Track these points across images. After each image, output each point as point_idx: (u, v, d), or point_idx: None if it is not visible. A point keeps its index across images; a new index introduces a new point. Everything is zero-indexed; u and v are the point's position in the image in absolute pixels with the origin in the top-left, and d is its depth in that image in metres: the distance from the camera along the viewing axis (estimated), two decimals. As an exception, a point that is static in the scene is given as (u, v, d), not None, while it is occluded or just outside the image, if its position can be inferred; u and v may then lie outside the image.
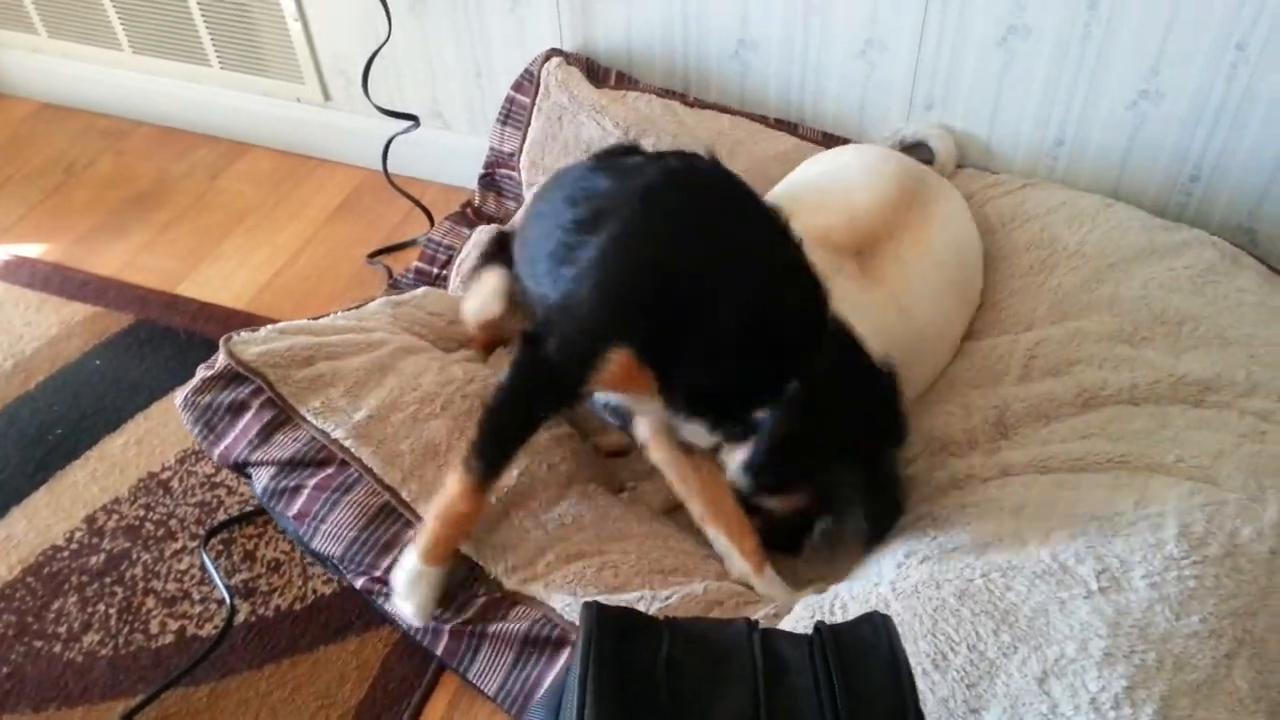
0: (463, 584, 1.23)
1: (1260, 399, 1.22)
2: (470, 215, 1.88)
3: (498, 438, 1.17)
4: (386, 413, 1.34)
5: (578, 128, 1.74)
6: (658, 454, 1.31)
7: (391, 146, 1.95)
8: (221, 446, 1.36)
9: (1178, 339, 1.31)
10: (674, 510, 1.34)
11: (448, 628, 1.20)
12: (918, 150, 1.69)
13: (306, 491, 1.31)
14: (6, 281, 1.91)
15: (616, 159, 1.40)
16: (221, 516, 1.45)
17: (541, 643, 1.16)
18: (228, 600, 1.33)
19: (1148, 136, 1.55)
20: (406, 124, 1.92)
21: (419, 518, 1.25)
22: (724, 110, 1.76)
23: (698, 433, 1.18)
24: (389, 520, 1.27)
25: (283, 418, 1.35)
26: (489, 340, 1.52)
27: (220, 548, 1.42)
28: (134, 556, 1.41)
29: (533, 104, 1.78)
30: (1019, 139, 1.64)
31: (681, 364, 1.13)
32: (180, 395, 1.39)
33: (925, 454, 1.32)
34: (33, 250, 2.00)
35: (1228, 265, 1.41)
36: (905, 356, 1.33)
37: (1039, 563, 1.05)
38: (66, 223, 2.07)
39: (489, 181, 1.89)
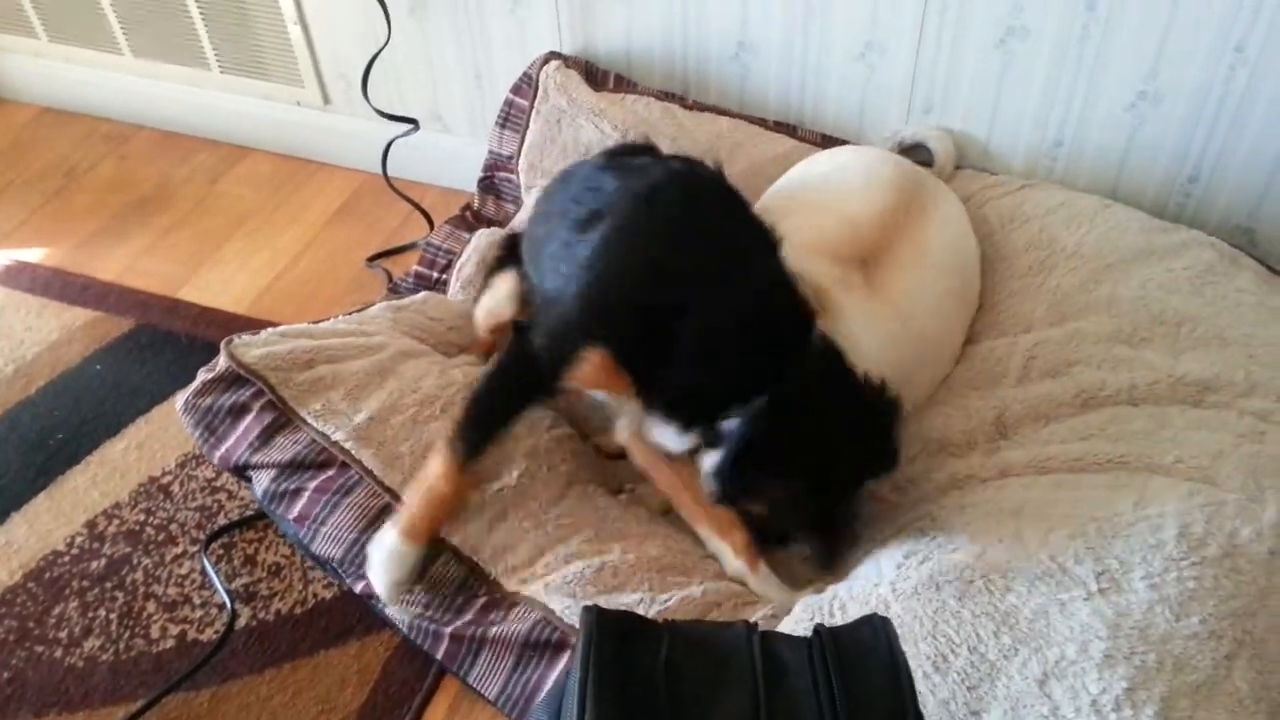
0: (462, 585, 1.24)
1: (1259, 399, 1.22)
2: (470, 218, 1.88)
3: (480, 422, 1.21)
4: (387, 415, 1.34)
5: (576, 130, 1.74)
6: (639, 456, 1.31)
7: (391, 150, 1.95)
8: (222, 449, 1.36)
9: (1176, 339, 1.31)
10: (673, 511, 1.34)
11: (448, 631, 1.21)
12: (917, 152, 1.69)
13: (307, 494, 1.31)
14: (7, 286, 1.91)
15: (625, 158, 1.40)
16: (222, 521, 1.46)
17: (542, 646, 1.16)
18: (228, 605, 1.33)
19: (1146, 137, 1.55)
20: (406, 127, 1.93)
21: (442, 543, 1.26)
22: (723, 113, 1.76)
23: (670, 436, 1.19)
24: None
25: (283, 420, 1.35)
26: (494, 345, 1.52)
27: (221, 552, 1.42)
28: (135, 561, 1.41)
29: (531, 107, 1.78)
30: (1018, 140, 1.64)
31: (657, 369, 1.14)
32: (181, 398, 1.40)
33: (924, 455, 1.32)
34: (34, 255, 2.01)
35: (1226, 266, 1.41)
36: (909, 366, 1.34)
37: (1039, 564, 1.05)
38: (67, 227, 2.08)
39: (488, 184, 1.89)
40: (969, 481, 1.25)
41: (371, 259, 1.94)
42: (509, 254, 1.53)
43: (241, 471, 1.37)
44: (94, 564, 1.41)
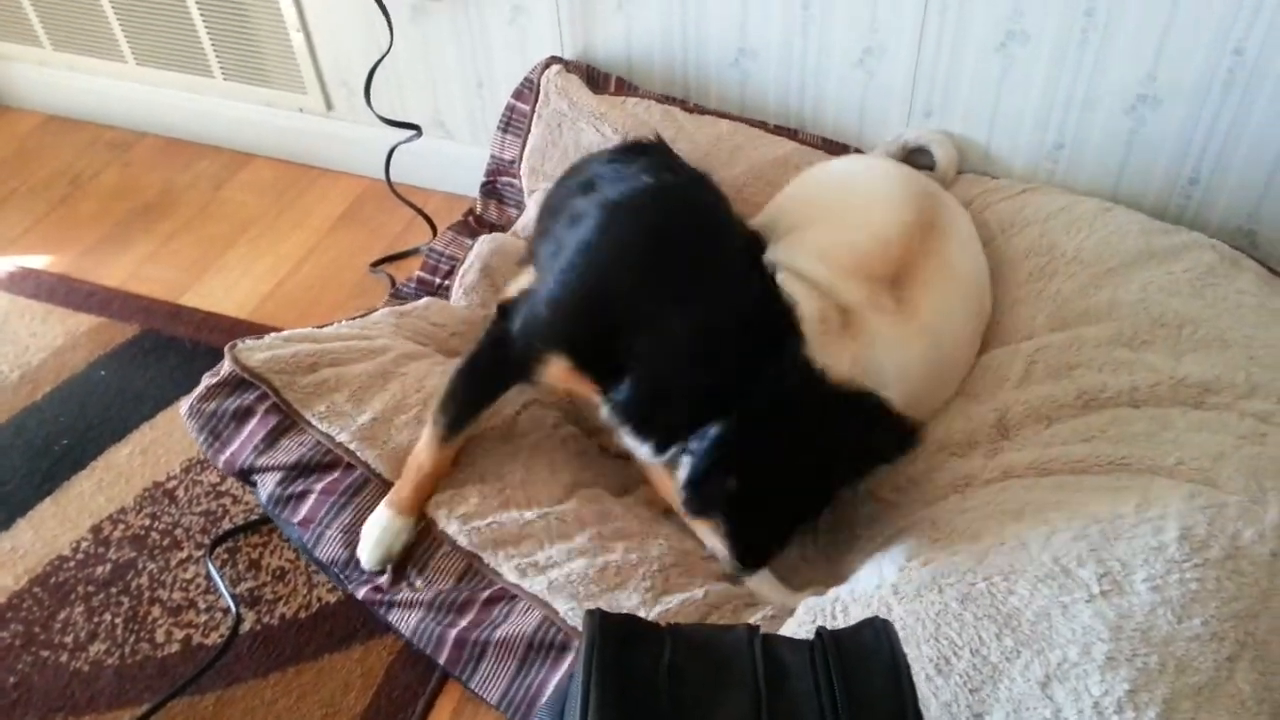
0: (463, 577, 1.24)
1: (1260, 400, 1.22)
2: (472, 223, 1.89)
3: (458, 399, 1.26)
4: (391, 415, 1.35)
5: (577, 134, 1.74)
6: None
7: (394, 156, 1.96)
8: (227, 453, 1.37)
9: (1177, 342, 1.31)
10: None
11: (452, 634, 1.21)
12: (919, 155, 1.69)
13: (313, 497, 1.31)
14: (13, 293, 1.92)
15: (630, 157, 1.41)
16: (227, 525, 1.46)
17: (545, 647, 1.16)
18: (233, 609, 1.34)
19: (1146, 140, 1.55)
20: (409, 133, 1.93)
21: (425, 517, 1.29)
22: (723, 116, 1.77)
23: (639, 447, 1.19)
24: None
25: (288, 423, 1.36)
26: None
27: (225, 557, 1.43)
28: (140, 566, 1.42)
29: (533, 111, 1.79)
30: (1018, 143, 1.65)
31: (620, 379, 1.15)
32: (185, 403, 1.40)
33: (925, 455, 1.32)
34: (39, 262, 2.02)
35: (1227, 268, 1.41)
36: (935, 384, 1.36)
37: (1041, 566, 1.05)
38: (72, 234, 2.09)
39: (490, 189, 1.90)
40: (970, 482, 1.25)
41: (375, 264, 1.94)
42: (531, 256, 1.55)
43: (246, 476, 1.38)
44: (99, 569, 1.42)
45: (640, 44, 1.80)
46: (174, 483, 1.53)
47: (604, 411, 1.20)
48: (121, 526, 1.47)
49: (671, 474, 1.20)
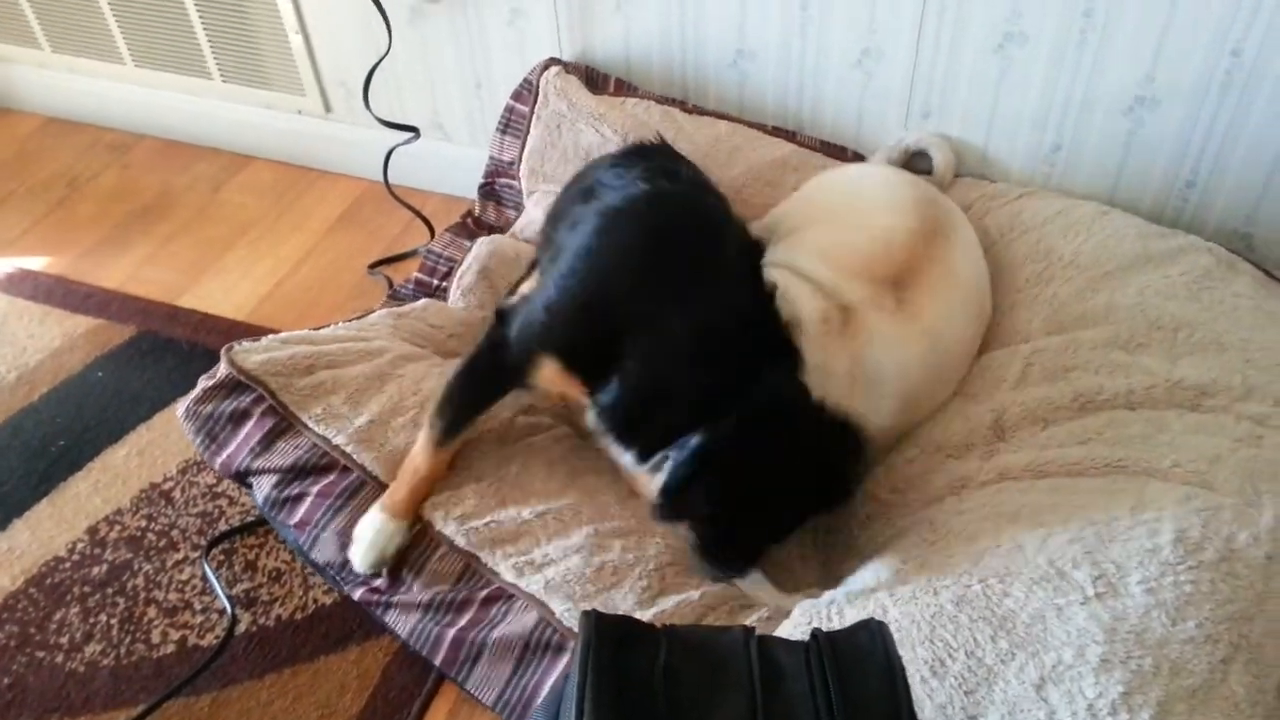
0: (460, 577, 1.24)
1: (1256, 403, 1.22)
2: (471, 225, 1.89)
3: (454, 403, 1.27)
4: (388, 417, 1.35)
5: (576, 135, 1.75)
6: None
7: (392, 157, 1.96)
8: (223, 455, 1.37)
9: (1173, 344, 1.31)
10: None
11: (450, 634, 1.21)
12: (918, 159, 1.69)
13: (309, 499, 1.31)
14: (10, 294, 1.92)
15: (635, 160, 1.41)
16: (223, 527, 1.46)
17: (541, 648, 1.16)
18: (229, 610, 1.34)
19: (1144, 142, 1.55)
20: (407, 135, 1.93)
21: (421, 519, 1.29)
22: (723, 117, 1.77)
23: (619, 452, 1.19)
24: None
25: (284, 425, 1.35)
26: None
27: (222, 558, 1.42)
28: (136, 567, 1.42)
29: (531, 112, 1.79)
30: (1016, 145, 1.65)
31: (606, 387, 1.16)
32: (182, 405, 1.40)
33: (921, 456, 1.32)
34: (37, 263, 2.02)
35: (1223, 271, 1.41)
36: (934, 385, 1.36)
37: (1036, 568, 1.05)
38: (70, 236, 2.09)
39: (489, 191, 1.90)
40: (967, 484, 1.25)
41: (373, 266, 1.94)
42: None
43: (243, 478, 1.38)
44: (95, 570, 1.42)
45: (639, 45, 1.80)
46: (170, 484, 1.53)
47: (590, 416, 1.20)
48: (118, 528, 1.47)
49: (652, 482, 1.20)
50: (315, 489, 1.32)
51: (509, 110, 1.82)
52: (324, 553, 1.29)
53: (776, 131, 1.75)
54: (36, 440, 1.61)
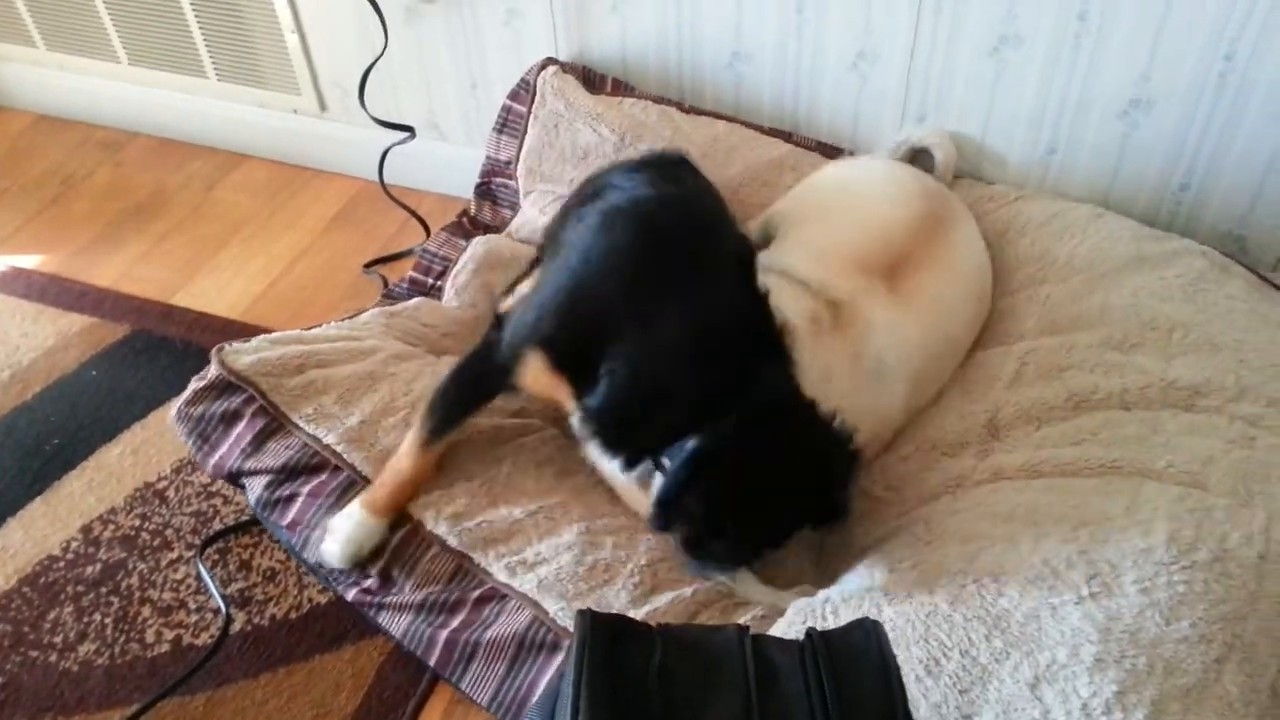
0: (453, 578, 1.24)
1: (1249, 404, 1.23)
2: (466, 224, 1.89)
3: (444, 402, 1.27)
4: (379, 417, 1.35)
5: (574, 134, 1.75)
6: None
7: (387, 157, 1.96)
8: (215, 457, 1.37)
9: (1168, 345, 1.32)
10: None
11: (443, 635, 1.21)
12: (922, 157, 1.69)
13: (300, 500, 1.31)
14: (3, 292, 1.91)
15: (652, 168, 1.41)
16: (217, 526, 1.46)
17: (535, 647, 1.16)
18: (224, 609, 1.34)
19: (1138, 145, 1.56)
20: (403, 135, 1.93)
21: (412, 519, 1.29)
22: (720, 117, 1.77)
23: (603, 459, 1.19)
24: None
25: (275, 425, 1.35)
26: None
27: (216, 557, 1.42)
28: (130, 566, 1.41)
29: (529, 112, 1.79)
30: (1011, 147, 1.65)
31: (595, 386, 1.14)
32: (174, 407, 1.40)
33: (916, 454, 1.32)
34: (30, 261, 2.01)
35: (1217, 274, 1.41)
36: (932, 370, 1.36)
37: (1030, 568, 1.06)
38: (64, 234, 2.08)
39: (485, 190, 1.90)
40: (961, 483, 1.25)
41: (368, 265, 1.94)
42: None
43: (235, 479, 1.38)
44: (89, 569, 1.41)
45: (635, 46, 1.80)
46: (164, 483, 1.53)
47: (575, 421, 1.19)
48: (112, 527, 1.47)
49: (643, 489, 1.20)
50: (306, 489, 1.32)
51: (506, 110, 1.82)
52: (317, 553, 1.29)
53: (773, 132, 1.76)
54: (30, 439, 1.61)
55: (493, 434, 1.38)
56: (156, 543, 1.44)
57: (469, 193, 1.92)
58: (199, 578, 1.39)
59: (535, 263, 1.56)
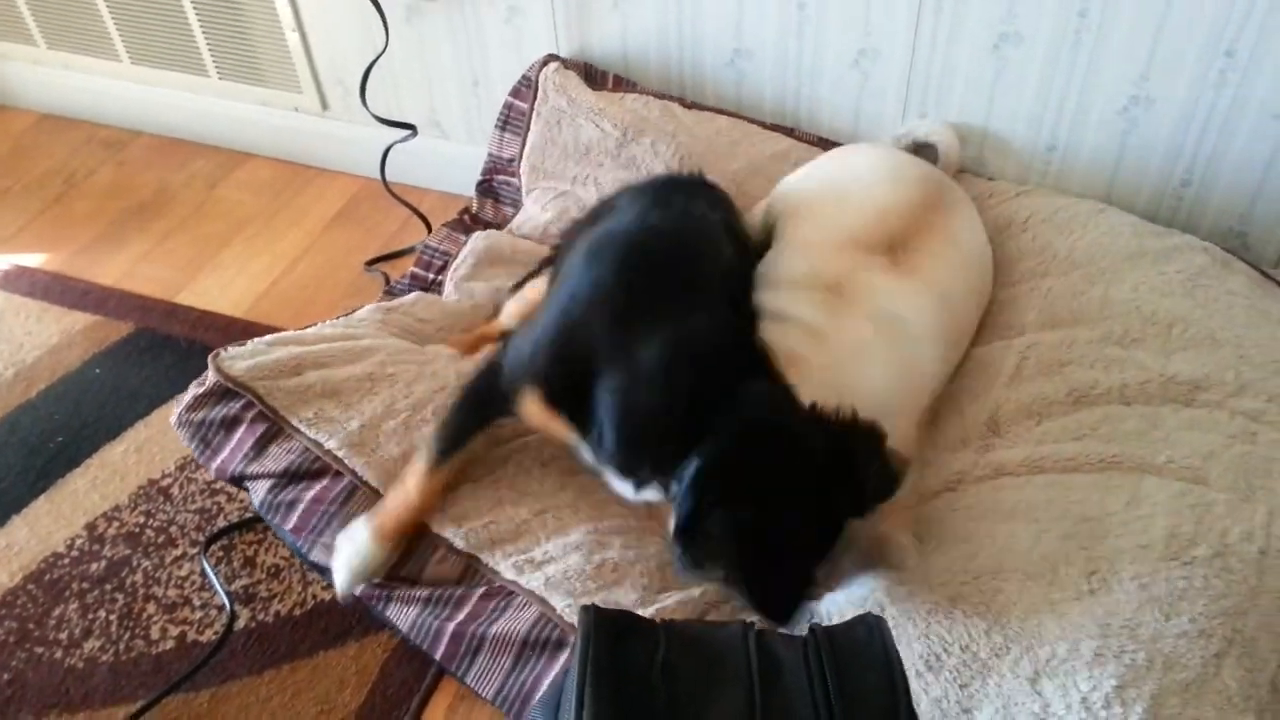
0: (461, 578, 1.25)
1: (1250, 399, 1.23)
2: (468, 222, 1.89)
3: (449, 428, 1.26)
4: (379, 421, 1.34)
5: (576, 130, 1.75)
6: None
7: (389, 155, 1.96)
8: (218, 461, 1.36)
9: (1168, 340, 1.32)
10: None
11: (450, 627, 1.21)
12: (926, 151, 1.69)
13: (303, 505, 1.31)
14: (7, 291, 1.92)
15: (666, 190, 1.41)
16: (221, 523, 1.46)
17: (542, 644, 1.17)
18: (228, 606, 1.34)
19: (1139, 141, 1.56)
20: (404, 133, 1.94)
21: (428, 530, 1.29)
22: (722, 112, 1.78)
23: (621, 485, 1.18)
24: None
25: (275, 429, 1.35)
26: (475, 347, 1.53)
27: (220, 554, 1.43)
28: (134, 563, 1.42)
29: (531, 109, 1.79)
30: (1012, 144, 1.66)
31: (594, 420, 1.14)
32: (174, 413, 1.39)
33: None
34: (33, 260, 2.02)
35: (1218, 269, 1.42)
36: (947, 332, 1.35)
37: (1030, 564, 1.06)
38: (67, 233, 2.09)
39: (487, 188, 1.90)
40: (962, 479, 1.25)
41: (370, 263, 1.95)
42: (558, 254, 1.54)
43: (239, 482, 1.38)
44: (94, 566, 1.42)
45: (636, 44, 1.80)
46: (169, 480, 1.53)
47: (585, 453, 1.19)
48: (116, 524, 1.48)
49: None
50: (309, 495, 1.31)
51: (508, 107, 1.83)
52: (323, 556, 1.30)
53: (775, 128, 1.76)
54: (35, 437, 1.61)
55: (494, 433, 1.38)
56: (161, 540, 1.45)
57: (471, 190, 1.92)
58: (203, 574, 1.40)
59: (546, 262, 1.56)
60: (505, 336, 1.29)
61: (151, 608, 1.36)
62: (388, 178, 1.98)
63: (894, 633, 0.89)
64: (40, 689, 1.28)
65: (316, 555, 1.30)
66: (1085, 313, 1.39)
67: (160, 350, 1.77)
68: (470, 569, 1.25)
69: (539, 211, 1.76)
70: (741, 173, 1.68)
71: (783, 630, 0.98)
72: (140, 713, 1.23)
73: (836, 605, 1.11)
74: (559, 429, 1.20)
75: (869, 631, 0.85)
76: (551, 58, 1.82)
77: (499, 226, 1.84)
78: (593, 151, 1.73)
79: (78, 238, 2.07)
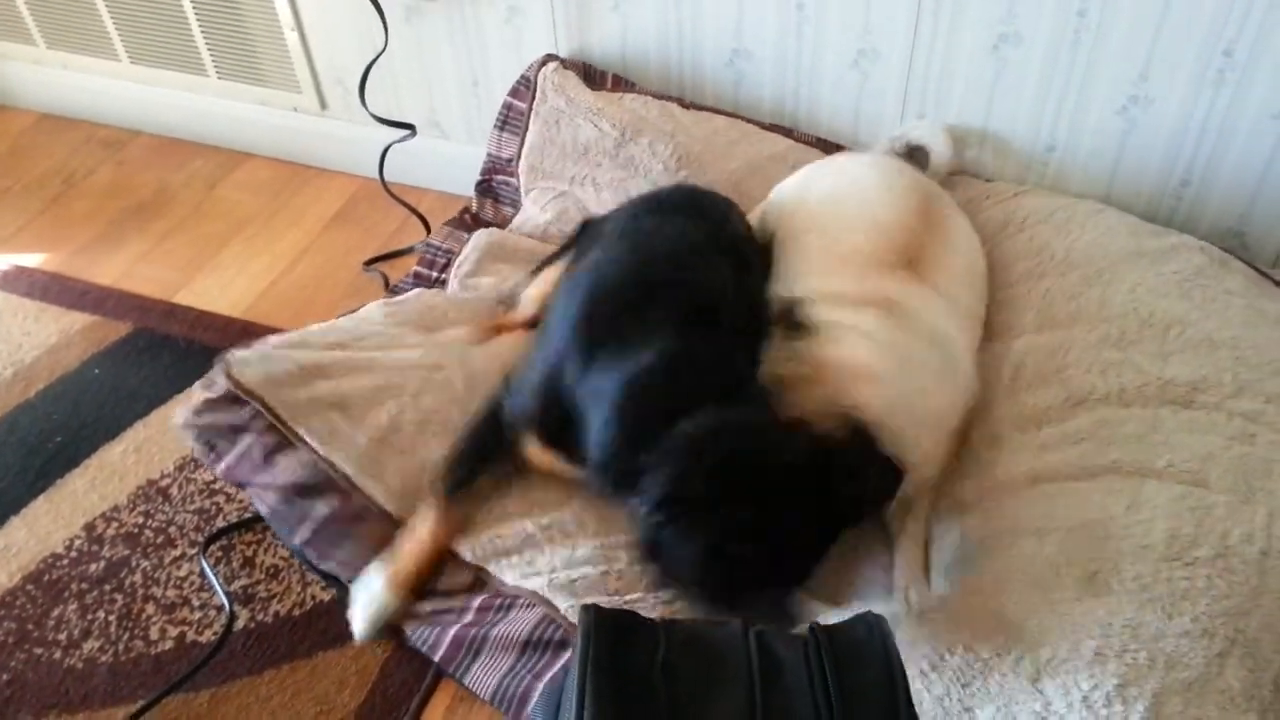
0: (471, 587, 1.25)
1: (1248, 400, 1.23)
2: (469, 221, 1.89)
3: (456, 470, 1.29)
4: (388, 435, 1.34)
5: (575, 130, 1.75)
6: None
7: (388, 155, 1.96)
8: (223, 465, 1.36)
9: (1165, 342, 1.32)
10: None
11: (451, 631, 1.21)
12: (917, 152, 1.69)
13: (314, 522, 1.31)
14: (6, 291, 1.91)
15: (669, 206, 1.43)
16: (220, 523, 1.46)
17: (543, 645, 1.17)
18: (227, 606, 1.34)
19: (1138, 141, 1.56)
20: (403, 133, 1.93)
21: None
22: (720, 112, 1.78)
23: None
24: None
25: (283, 441, 1.34)
26: (495, 332, 1.54)
27: (219, 554, 1.43)
28: (133, 563, 1.42)
29: (530, 109, 1.79)
30: (1011, 145, 1.66)
31: (585, 455, 1.16)
32: (181, 416, 1.38)
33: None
34: (32, 260, 2.01)
35: (1216, 269, 1.42)
36: (972, 339, 1.36)
37: (1031, 568, 1.07)
38: (66, 233, 2.08)
39: (486, 188, 1.90)
40: (964, 492, 1.26)
41: (369, 263, 1.95)
42: (577, 238, 1.55)
43: (245, 488, 1.37)
44: (93, 566, 1.42)
45: (635, 44, 1.80)
46: (167, 480, 1.53)
47: (588, 482, 1.21)
48: (115, 524, 1.47)
49: None
50: (319, 512, 1.31)
51: (507, 107, 1.83)
52: (334, 568, 1.30)
53: (774, 128, 1.76)
54: (33, 437, 1.61)
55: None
56: (160, 540, 1.45)
57: (470, 190, 1.92)
58: (202, 575, 1.39)
59: (565, 248, 1.55)
60: (506, 377, 1.31)
61: (151, 608, 1.36)
62: (386, 178, 1.98)
63: (896, 635, 0.89)
64: (40, 689, 1.27)
65: (327, 566, 1.31)
66: (1082, 315, 1.39)
67: (159, 350, 1.77)
68: (479, 580, 1.26)
69: (538, 212, 1.76)
70: (739, 173, 1.68)
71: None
72: (140, 713, 1.23)
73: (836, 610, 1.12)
74: (560, 468, 1.24)
75: (869, 630, 0.85)
76: (550, 58, 1.82)
77: (499, 227, 1.84)
78: (591, 151, 1.73)
79: (76, 238, 2.07)
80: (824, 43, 1.67)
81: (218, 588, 1.36)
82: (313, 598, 1.36)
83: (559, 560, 1.23)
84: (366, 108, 1.92)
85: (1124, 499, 1.13)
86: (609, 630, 0.82)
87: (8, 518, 1.49)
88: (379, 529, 1.30)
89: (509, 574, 1.24)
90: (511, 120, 1.82)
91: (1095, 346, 1.34)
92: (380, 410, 1.36)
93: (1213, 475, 1.14)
